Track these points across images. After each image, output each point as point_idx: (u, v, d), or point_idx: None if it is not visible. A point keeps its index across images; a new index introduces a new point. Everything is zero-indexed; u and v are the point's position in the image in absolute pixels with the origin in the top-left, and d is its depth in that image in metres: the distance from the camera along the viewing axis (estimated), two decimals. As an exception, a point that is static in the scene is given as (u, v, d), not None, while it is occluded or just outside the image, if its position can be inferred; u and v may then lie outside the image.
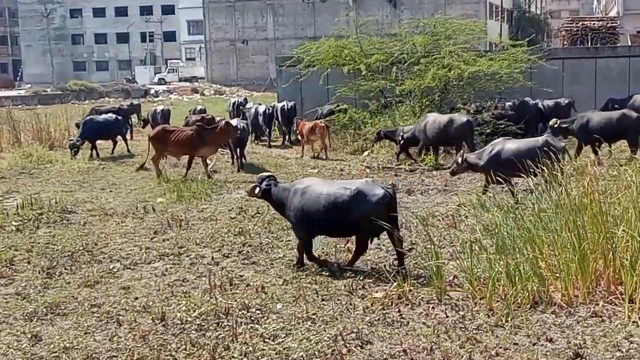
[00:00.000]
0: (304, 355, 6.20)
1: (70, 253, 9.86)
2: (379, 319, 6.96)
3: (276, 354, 6.26)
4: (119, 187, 15.38)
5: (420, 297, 7.48)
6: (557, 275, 7.37)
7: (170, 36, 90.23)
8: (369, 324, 6.84)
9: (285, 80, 25.45)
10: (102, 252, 9.92)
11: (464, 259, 7.84)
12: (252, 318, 7.12)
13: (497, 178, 11.68)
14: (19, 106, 46.09)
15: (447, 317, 6.96)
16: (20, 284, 8.59)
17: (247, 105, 26.24)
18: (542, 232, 7.77)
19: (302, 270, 8.67)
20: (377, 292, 7.75)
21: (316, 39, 29.29)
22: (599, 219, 7.42)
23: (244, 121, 20.57)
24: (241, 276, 8.61)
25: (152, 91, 66.45)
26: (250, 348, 6.36)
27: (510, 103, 21.44)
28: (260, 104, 24.88)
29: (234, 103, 29.29)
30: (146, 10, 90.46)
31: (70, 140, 20.81)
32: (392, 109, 21.75)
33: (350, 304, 7.42)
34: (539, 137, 12.55)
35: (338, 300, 7.59)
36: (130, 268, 9.18)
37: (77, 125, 22.11)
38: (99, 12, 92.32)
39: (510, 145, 12.24)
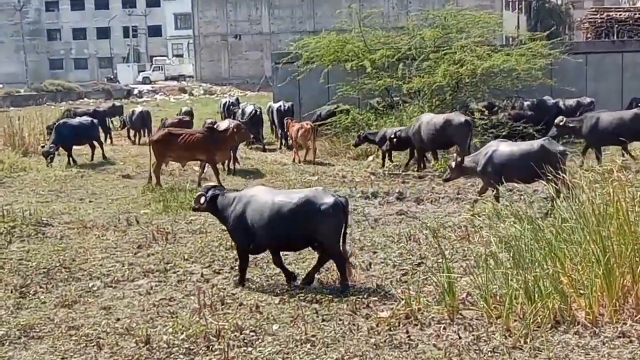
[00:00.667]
0: (302, 382, 6.20)
1: (45, 270, 9.86)
2: (385, 341, 6.96)
3: (272, 380, 6.26)
4: (100, 197, 15.40)
5: (430, 317, 7.48)
6: (581, 291, 7.37)
7: (155, 31, 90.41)
8: (374, 347, 6.84)
9: (282, 79, 25.51)
10: (80, 269, 9.92)
11: (478, 274, 7.84)
12: (245, 341, 7.12)
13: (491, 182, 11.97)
14: (-11, 108, 46.23)
15: (460, 338, 6.95)
16: (-9, 304, 8.58)
17: (241, 106, 26.27)
18: (563, 245, 7.77)
19: (301, 288, 8.67)
20: (382, 311, 7.75)
21: (316, 33, 29.37)
22: (626, 229, 7.43)
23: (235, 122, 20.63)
24: (233, 294, 8.61)
25: (136, 91, 66.57)
26: (244, 374, 6.37)
27: (528, 102, 21.48)
28: (247, 104, 24.98)
29: (225, 104, 29.34)
30: (129, 3, 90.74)
31: (42, 146, 20.81)
32: (398, 109, 21.78)
33: (354, 325, 7.42)
34: (534, 141, 12.58)
35: (340, 320, 7.58)
36: (111, 286, 9.17)
37: (50, 130, 22.05)
38: (77, 5, 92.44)
39: (504, 148, 12.32)
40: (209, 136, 16.15)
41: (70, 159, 20.26)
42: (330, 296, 8.31)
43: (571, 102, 21.35)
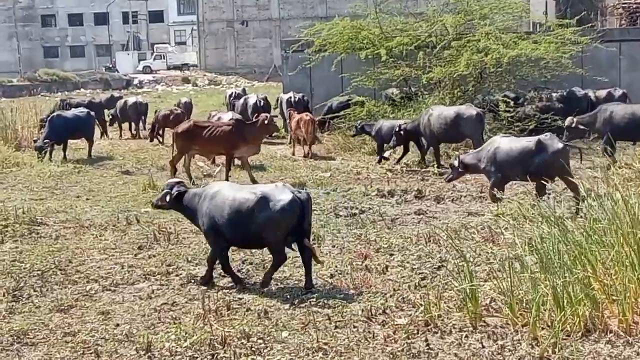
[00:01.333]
0: (314, 393, 6.22)
1: (40, 272, 9.89)
2: (402, 350, 6.96)
3: (281, 391, 6.28)
4: (97, 195, 15.45)
5: (451, 324, 7.47)
6: (614, 298, 7.35)
7: (156, 17, 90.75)
8: (391, 356, 6.85)
9: (292, 68, 25.53)
10: (77, 271, 9.95)
11: (502, 278, 7.82)
12: (253, 348, 7.13)
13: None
14: (-20, 100, 46.50)
15: (484, 347, 6.95)
16: (-18, 308, 8.64)
17: (245, 97, 26.27)
18: (595, 247, 7.75)
19: (312, 292, 8.69)
20: (400, 318, 7.75)
21: (328, 19, 29.33)
22: (663, 231, 7.40)
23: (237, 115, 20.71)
24: (240, 299, 8.63)
25: (136, 81, 66.93)
26: (251, 384, 6.39)
27: (557, 94, 21.41)
28: (250, 95, 25.02)
29: (231, 95, 29.34)
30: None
31: (34, 140, 20.86)
32: (417, 101, 21.75)
33: (369, 332, 7.43)
34: (533, 137, 12.77)
35: (354, 327, 7.59)
36: (110, 290, 9.21)
37: (42, 123, 22.03)
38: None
39: (504, 144, 12.48)
40: (236, 129, 16.13)
41: (64, 153, 20.30)
42: (344, 302, 8.32)
43: (602, 93, 21.27)
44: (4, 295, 8.98)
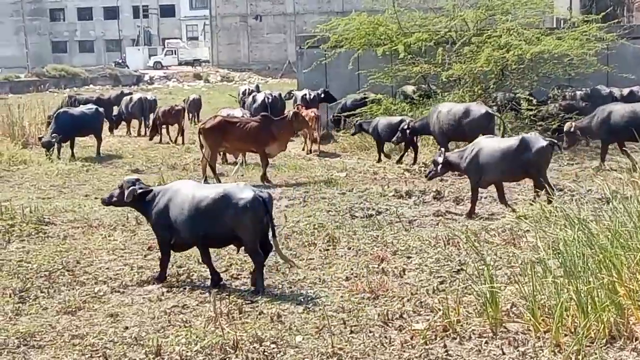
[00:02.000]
0: (328, 399, 6.21)
1: (47, 273, 9.94)
2: (420, 356, 6.95)
3: (295, 397, 6.28)
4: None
5: (470, 330, 7.45)
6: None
7: (168, 11, 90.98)
8: (408, 362, 6.83)
9: (307, 64, 25.50)
10: (85, 272, 10.00)
11: (524, 283, 7.80)
12: (265, 353, 7.14)
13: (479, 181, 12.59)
14: (-13, 95, 46.74)
15: (504, 354, 6.93)
16: (-12, 309, 8.68)
17: (253, 93, 26.25)
18: (620, 251, 7.71)
19: (327, 295, 8.68)
20: (417, 323, 7.73)
21: (345, 14, 29.42)
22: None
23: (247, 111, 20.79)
24: (252, 302, 8.63)
25: (146, 77, 67.16)
26: (264, 390, 6.40)
27: (581, 92, 21.32)
28: (258, 92, 25.00)
29: (244, 92, 29.35)
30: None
31: (39, 138, 20.93)
32: (436, 98, 21.71)
33: (385, 337, 7.42)
34: (515, 137, 13.06)
35: (370, 332, 7.59)
36: (119, 291, 9.23)
37: (49, 120, 22.04)
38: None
39: (487, 145, 12.73)
40: (264, 125, 16.14)
41: (72, 151, 20.38)
42: (360, 306, 8.31)
43: (624, 91, 21.17)
44: (10, 297, 9.02)
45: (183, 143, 23.31)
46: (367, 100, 22.41)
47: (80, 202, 14.61)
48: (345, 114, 23.29)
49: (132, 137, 25.48)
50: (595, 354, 6.71)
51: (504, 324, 7.48)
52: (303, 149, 20.86)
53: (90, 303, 8.79)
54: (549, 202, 11.46)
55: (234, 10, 72.52)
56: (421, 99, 22.27)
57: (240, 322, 7.93)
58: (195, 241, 9.29)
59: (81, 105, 23.34)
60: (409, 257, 10.17)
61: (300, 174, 17.29)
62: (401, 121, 18.30)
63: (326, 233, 11.36)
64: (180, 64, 77.78)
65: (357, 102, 22.91)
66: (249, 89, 29.63)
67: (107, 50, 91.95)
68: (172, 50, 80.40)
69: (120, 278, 9.69)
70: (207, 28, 78.66)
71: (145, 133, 25.80)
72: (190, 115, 29.69)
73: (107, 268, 10.16)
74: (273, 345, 7.30)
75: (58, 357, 7.28)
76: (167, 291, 9.14)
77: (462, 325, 7.50)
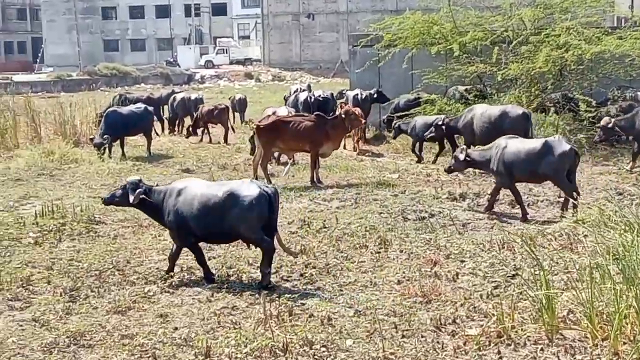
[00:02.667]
0: (379, 405, 6.21)
1: (97, 272, 10.09)
2: (473, 362, 6.92)
3: (345, 401, 6.29)
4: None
5: (525, 336, 7.40)
6: (702, 312, 7.20)
7: (219, 9, 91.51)
8: (461, 368, 6.81)
9: (360, 64, 25.47)
10: (135, 272, 10.13)
11: (581, 289, 7.72)
12: (315, 356, 7.16)
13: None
14: (39, 93, 47.64)
15: (560, 361, 6.86)
16: (39, 308, 8.82)
17: (296, 92, 26.21)
18: (682, 257, 7.59)
19: (379, 298, 8.67)
20: (471, 328, 7.71)
21: (398, 12, 29.30)
22: None
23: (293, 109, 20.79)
24: (303, 304, 8.67)
25: (197, 76, 67.66)
26: (313, 393, 6.41)
27: (641, 94, 21.00)
28: (302, 90, 24.93)
29: (295, 91, 29.37)
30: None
31: (90, 138, 21.18)
32: (492, 99, 21.55)
33: (438, 343, 7.40)
34: (539, 139, 13.09)
35: (422, 337, 7.57)
36: (168, 292, 9.34)
37: (99, 118, 22.21)
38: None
39: (511, 146, 12.85)
40: (319, 125, 16.19)
41: (122, 150, 20.61)
42: (412, 310, 8.30)
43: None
44: (61, 295, 9.18)
45: (226, 142, 23.40)
46: (420, 100, 22.31)
47: (131, 201, 14.75)
48: (398, 114, 23.20)
49: (181, 137, 25.63)
50: (656, 363, 6.62)
51: (560, 331, 7.41)
52: (359, 152, 20.83)
53: (140, 303, 8.89)
54: (564, 209, 12.07)
55: (286, 8, 72.75)
56: (476, 99, 22.09)
57: (290, 325, 7.96)
58: (203, 237, 9.59)
59: (131, 105, 23.53)
60: (462, 261, 10.12)
61: (352, 175, 17.28)
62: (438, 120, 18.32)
63: (378, 235, 11.35)
64: (231, 62, 78.17)
65: (410, 103, 22.79)
66: (300, 88, 29.62)
67: (159, 49, 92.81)
68: (223, 49, 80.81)
69: (170, 278, 9.77)
70: (259, 27, 79.01)
71: (187, 130, 25.67)
72: (236, 114, 29.81)
73: (157, 268, 10.26)
74: (323, 349, 7.32)
75: (107, 357, 7.38)
76: (217, 292, 9.21)
77: (516, 332, 7.45)
